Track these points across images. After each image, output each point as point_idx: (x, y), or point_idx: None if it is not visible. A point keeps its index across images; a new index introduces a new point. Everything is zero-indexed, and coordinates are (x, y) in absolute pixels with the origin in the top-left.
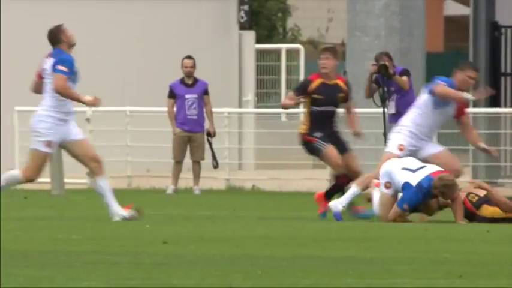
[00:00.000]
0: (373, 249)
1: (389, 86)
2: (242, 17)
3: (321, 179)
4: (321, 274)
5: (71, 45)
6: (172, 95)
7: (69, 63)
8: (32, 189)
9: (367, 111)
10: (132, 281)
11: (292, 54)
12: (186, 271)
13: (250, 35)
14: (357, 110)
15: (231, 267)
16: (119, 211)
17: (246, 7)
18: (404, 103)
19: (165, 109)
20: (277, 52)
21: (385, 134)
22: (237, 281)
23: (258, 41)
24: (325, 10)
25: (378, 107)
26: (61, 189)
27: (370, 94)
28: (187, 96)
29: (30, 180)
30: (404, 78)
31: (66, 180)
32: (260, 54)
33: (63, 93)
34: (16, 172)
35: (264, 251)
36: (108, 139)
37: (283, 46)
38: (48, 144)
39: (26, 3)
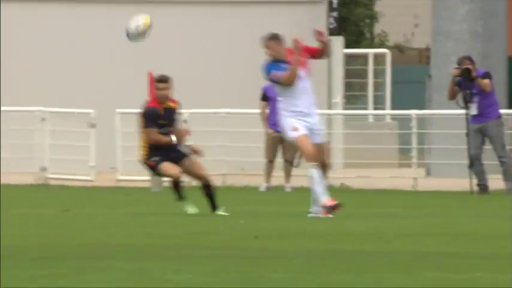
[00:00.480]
0: (453, 244)
1: (472, 89)
2: (331, 23)
3: (406, 177)
4: (403, 268)
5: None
6: (264, 97)
7: None
8: (133, 187)
9: (451, 112)
10: (226, 273)
11: (379, 59)
12: (277, 265)
13: (339, 41)
14: (441, 111)
15: (320, 261)
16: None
17: (335, 14)
18: (486, 105)
19: (258, 111)
20: (365, 56)
21: (467, 135)
22: (326, 275)
23: (347, 46)
24: (411, 16)
25: (461, 108)
26: (160, 186)
27: (453, 96)
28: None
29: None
30: (486, 81)
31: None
32: (348, 59)
33: None
34: None
35: (351, 246)
36: (206, 139)
37: (371, 51)
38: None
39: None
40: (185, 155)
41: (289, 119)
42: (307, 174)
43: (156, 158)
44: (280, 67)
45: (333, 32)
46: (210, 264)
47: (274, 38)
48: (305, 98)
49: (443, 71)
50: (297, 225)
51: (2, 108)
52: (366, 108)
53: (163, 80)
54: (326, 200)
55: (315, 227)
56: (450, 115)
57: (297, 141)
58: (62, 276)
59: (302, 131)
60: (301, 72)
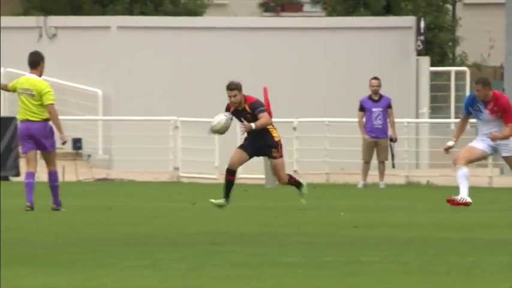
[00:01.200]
0: None
1: None
2: (419, 46)
3: (482, 175)
4: (481, 253)
5: None
6: (362, 108)
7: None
8: (250, 183)
9: None
10: (327, 257)
11: (460, 75)
12: (371, 250)
13: (425, 60)
14: None
15: (407, 247)
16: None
17: (422, 37)
18: None
19: (356, 120)
20: (448, 74)
21: None
22: (412, 259)
23: (432, 65)
24: (487, 39)
25: None
26: (273, 182)
27: None
28: (373, 109)
29: None
30: None
31: None
32: (434, 75)
33: None
34: None
35: (435, 234)
36: (312, 144)
37: (453, 69)
38: None
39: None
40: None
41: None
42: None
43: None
44: (477, 106)
45: (420, 53)
46: (313, 249)
47: (482, 82)
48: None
49: None
50: (389, 216)
51: (144, 117)
52: (448, 118)
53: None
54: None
55: (404, 218)
56: None
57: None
58: (192, 257)
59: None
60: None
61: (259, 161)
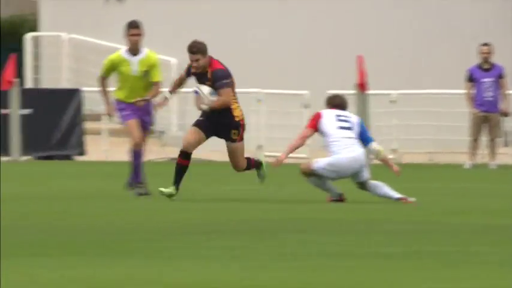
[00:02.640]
0: None
1: None
2: None
3: None
4: None
5: None
6: (470, 79)
7: None
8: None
9: None
10: (419, 246)
11: None
12: (478, 238)
13: None
14: None
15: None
16: None
17: None
18: None
19: (464, 91)
20: None
21: None
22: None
23: None
24: None
25: None
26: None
27: None
28: (484, 79)
29: None
30: None
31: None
32: None
33: None
34: None
35: None
36: (413, 119)
37: None
38: None
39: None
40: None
41: None
42: None
43: None
44: None
45: None
46: (400, 237)
47: None
48: None
49: None
50: (497, 202)
51: None
52: None
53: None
54: None
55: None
56: None
57: None
58: (278, 246)
59: None
60: None
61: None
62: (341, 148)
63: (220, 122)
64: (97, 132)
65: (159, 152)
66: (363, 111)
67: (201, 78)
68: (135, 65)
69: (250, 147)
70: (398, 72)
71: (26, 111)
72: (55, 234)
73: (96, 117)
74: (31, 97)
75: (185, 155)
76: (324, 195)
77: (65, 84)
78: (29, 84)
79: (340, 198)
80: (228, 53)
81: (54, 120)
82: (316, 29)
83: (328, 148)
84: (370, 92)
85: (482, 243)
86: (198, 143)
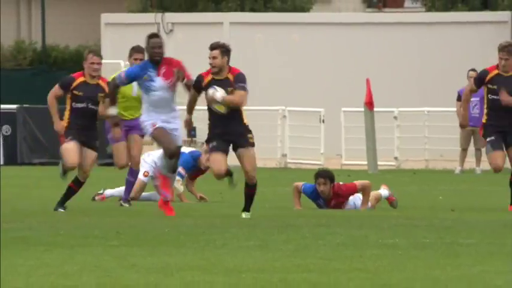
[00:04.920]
0: None
1: None
2: None
3: None
4: None
5: None
6: (460, 98)
7: None
8: (354, 169)
9: None
10: (427, 239)
11: None
12: (469, 232)
13: None
14: None
15: (504, 230)
16: None
17: None
18: None
19: (454, 109)
20: None
21: None
22: (510, 240)
23: None
24: None
25: None
26: (375, 168)
27: None
28: (471, 99)
29: None
30: None
31: (379, 162)
32: None
33: None
34: None
35: None
36: (412, 132)
37: None
38: None
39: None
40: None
41: None
42: None
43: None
44: None
45: None
46: (413, 231)
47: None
48: None
49: None
50: (486, 200)
51: (254, 107)
52: None
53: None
54: None
55: (503, 203)
56: None
57: None
58: (299, 239)
59: None
60: None
61: (360, 149)
62: None
63: (234, 132)
64: None
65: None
66: (370, 126)
67: (222, 85)
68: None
69: (276, 156)
70: (400, 93)
71: None
72: (151, 228)
73: None
74: None
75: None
76: None
77: None
78: None
79: None
80: (258, 76)
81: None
82: (332, 55)
83: None
84: (376, 109)
85: (471, 236)
86: (226, 164)
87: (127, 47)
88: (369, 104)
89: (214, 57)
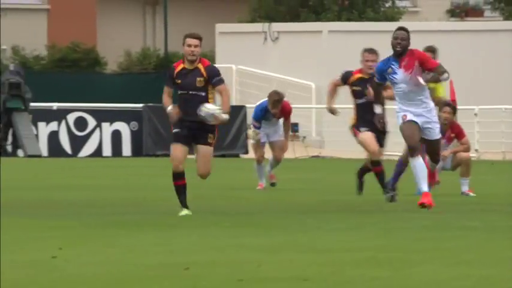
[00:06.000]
0: None
1: None
2: None
3: None
4: None
5: None
6: None
7: None
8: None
9: None
10: (501, 222)
11: None
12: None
13: None
14: None
15: None
16: None
17: None
18: None
19: None
20: None
21: None
22: None
23: None
24: None
25: None
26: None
27: None
28: None
29: None
30: None
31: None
32: None
33: None
34: None
35: None
36: (492, 127)
37: None
38: None
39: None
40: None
41: None
42: None
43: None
44: None
45: None
46: (490, 216)
47: None
48: None
49: None
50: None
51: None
52: None
53: None
54: None
55: None
56: None
57: None
58: (385, 222)
59: None
60: None
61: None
62: None
63: (199, 128)
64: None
65: (302, 151)
66: None
67: (192, 76)
68: None
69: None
70: (480, 92)
71: None
72: (232, 213)
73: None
74: None
75: (179, 175)
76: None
77: (233, 102)
78: None
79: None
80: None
81: (225, 128)
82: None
83: None
84: (459, 107)
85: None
86: (185, 157)
87: (238, 53)
88: (453, 102)
89: (196, 46)
